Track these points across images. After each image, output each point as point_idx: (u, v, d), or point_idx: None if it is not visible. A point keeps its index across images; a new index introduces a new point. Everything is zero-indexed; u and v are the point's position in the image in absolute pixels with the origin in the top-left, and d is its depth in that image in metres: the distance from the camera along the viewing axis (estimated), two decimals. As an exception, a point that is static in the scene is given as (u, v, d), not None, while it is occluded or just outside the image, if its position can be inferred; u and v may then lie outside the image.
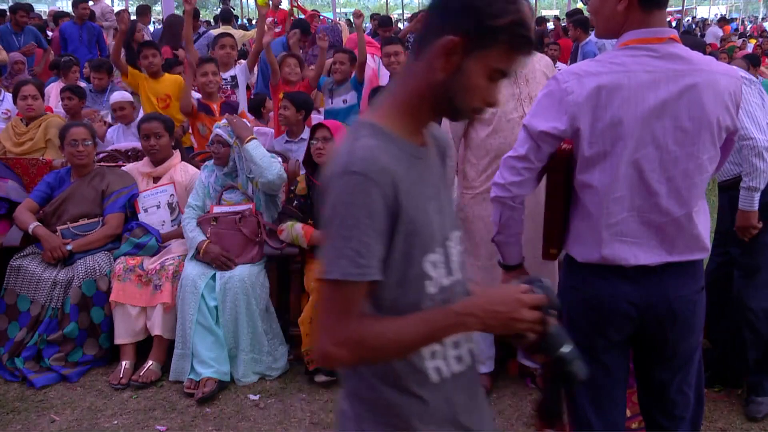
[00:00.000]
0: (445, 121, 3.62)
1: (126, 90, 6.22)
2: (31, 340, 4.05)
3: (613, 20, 2.21)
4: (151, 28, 12.75)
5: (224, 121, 4.22)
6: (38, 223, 4.25)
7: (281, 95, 5.94)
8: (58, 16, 12.01)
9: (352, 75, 5.95)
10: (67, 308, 4.03)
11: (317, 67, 6.15)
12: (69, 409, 3.70)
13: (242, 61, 6.73)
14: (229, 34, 6.31)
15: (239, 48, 7.67)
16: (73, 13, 9.97)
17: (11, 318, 4.11)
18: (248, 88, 6.50)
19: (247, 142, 4.09)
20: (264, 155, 4.11)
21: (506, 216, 2.35)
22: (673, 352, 2.31)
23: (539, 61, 3.45)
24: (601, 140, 2.11)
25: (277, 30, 9.04)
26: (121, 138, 5.68)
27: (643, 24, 2.14)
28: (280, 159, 4.33)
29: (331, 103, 5.97)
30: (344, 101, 5.88)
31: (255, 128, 5.13)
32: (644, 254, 2.19)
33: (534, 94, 3.37)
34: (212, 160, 4.28)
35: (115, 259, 4.18)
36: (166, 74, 6.16)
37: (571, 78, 2.13)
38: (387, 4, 24.74)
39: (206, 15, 30.32)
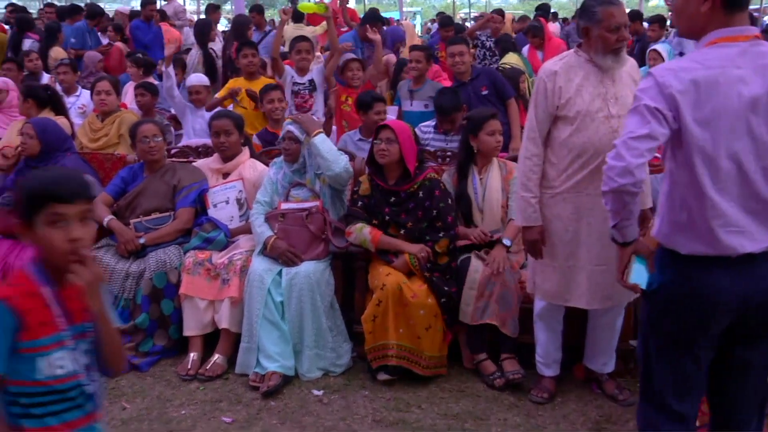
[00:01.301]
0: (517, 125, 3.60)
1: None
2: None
3: (696, 20, 2.33)
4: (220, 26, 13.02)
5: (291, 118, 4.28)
6: (113, 217, 4.38)
7: (344, 97, 6.00)
8: (132, 15, 12.34)
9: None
10: (139, 299, 4.15)
11: (375, 64, 6.15)
12: (139, 398, 3.81)
13: (319, 55, 6.78)
14: (306, 39, 6.36)
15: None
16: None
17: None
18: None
19: (315, 135, 4.13)
20: (331, 149, 4.15)
21: (630, 203, 2.34)
22: (766, 334, 2.38)
23: (627, 62, 3.39)
24: (702, 133, 2.22)
25: (343, 29, 9.11)
26: (188, 118, 5.88)
27: (725, 24, 2.27)
28: (347, 155, 4.36)
29: (411, 105, 5.92)
30: (426, 106, 5.82)
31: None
32: (749, 243, 2.27)
33: (620, 95, 3.33)
34: (281, 157, 4.34)
35: (185, 253, 4.27)
36: (263, 76, 6.26)
37: (667, 74, 2.25)
38: (454, 3, 24.63)
39: (273, 14, 30.72)
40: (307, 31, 9.20)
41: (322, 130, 4.22)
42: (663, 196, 2.40)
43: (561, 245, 3.47)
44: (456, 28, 9.53)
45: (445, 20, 10.17)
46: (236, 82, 6.14)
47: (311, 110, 5.98)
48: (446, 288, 3.88)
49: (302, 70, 6.03)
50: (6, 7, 9.87)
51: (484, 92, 5.69)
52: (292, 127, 4.24)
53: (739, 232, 2.27)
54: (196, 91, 5.97)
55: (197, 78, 6.15)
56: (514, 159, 4.25)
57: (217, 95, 6.15)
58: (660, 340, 2.46)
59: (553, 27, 11.46)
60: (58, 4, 12.31)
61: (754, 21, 9.88)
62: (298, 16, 10.50)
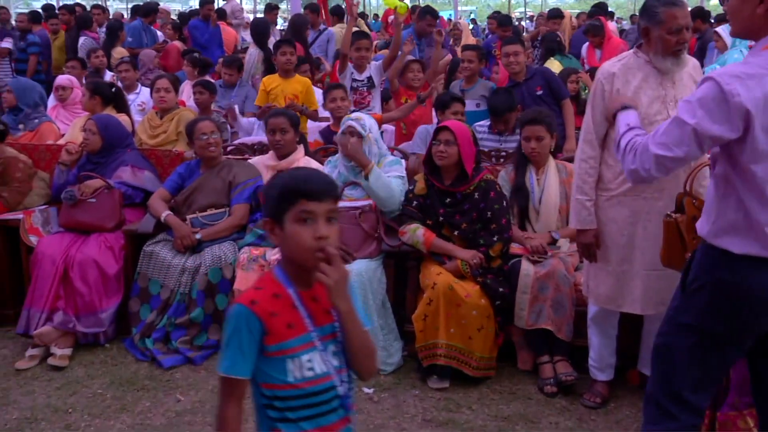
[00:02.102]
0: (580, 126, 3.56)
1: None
2: (160, 323, 4.26)
3: (752, 22, 2.31)
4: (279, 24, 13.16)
5: (356, 114, 4.28)
6: (170, 212, 4.47)
7: (404, 99, 6.00)
8: (190, 14, 12.57)
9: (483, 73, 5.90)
10: (194, 294, 4.22)
11: (434, 60, 6.14)
12: (193, 390, 3.87)
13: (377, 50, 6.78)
14: (366, 36, 6.38)
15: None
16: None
17: (143, 301, 4.35)
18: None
19: (368, 173, 4.15)
20: (385, 186, 4.17)
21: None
22: None
23: (687, 63, 3.32)
24: (767, 140, 2.20)
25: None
26: (258, 131, 5.95)
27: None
28: (402, 187, 4.35)
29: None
30: (477, 105, 5.81)
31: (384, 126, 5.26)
32: None
33: (680, 97, 3.25)
34: (336, 156, 4.36)
35: (239, 249, 4.33)
36: (297, 75, 6.32)
37: (733, 81, 2.19)
38: (509, 2, 24.43)
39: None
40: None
41: (373, 164, 4.22)
42: (714, 198, 2.38)
43: (615, 249, 3.41)
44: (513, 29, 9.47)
45: (503, 19, 10.08)
46: (270, 80, 6.20)
47: (369, 106, 6.00)
48: (500, 290, 3.86)
49: (361, 67, 6.06)
50: (59, 9, 10.13)
51: (539, 92, 5.64)
52: (353, 122, 4.25)
53: None
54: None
55: None
56: (569, 160, 4.22)
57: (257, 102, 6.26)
58: (696, 337, 2.46)
59: (612, 26, 11.25)
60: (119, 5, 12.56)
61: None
62: (341, 15, 10.54)
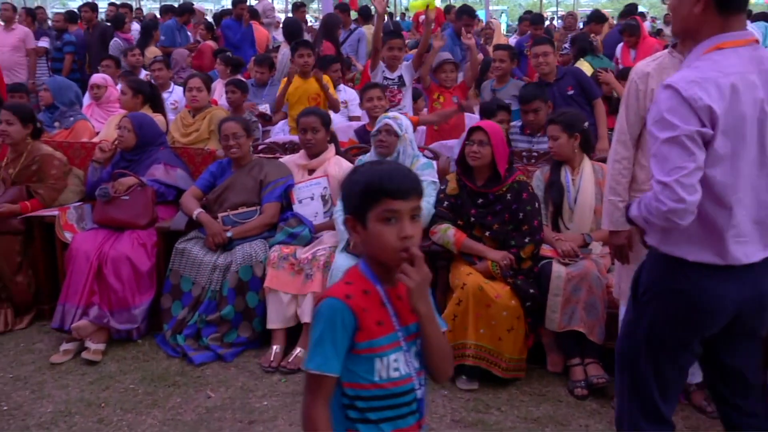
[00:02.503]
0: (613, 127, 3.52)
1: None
2: (192, 319, 4.30)
3: (689, 21, 2.31)
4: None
5: (393, 113, 4.29)
6: (202, 210, 4.51)
7: (436, 95, 5.99)
8: (223, 14, 12.68)
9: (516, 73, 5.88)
10: (225, 291, 4.25)
11: (472, 66, 6.12)
12: (223, 387, 3.90)
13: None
14: (399, 35, 6.39)
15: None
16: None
17: (175, 297, 4.39)
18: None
19: None
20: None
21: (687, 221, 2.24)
22: (753, 338, 2.47)
23: None
24: (725, 143, 2.17)
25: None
26: (288, 131, 5.99)
27: (725, 27, 2.24)
28: (435, 178, 4.32)
29: None
30: (509, 104, 5.78)
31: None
32: (753, 252, 2.30)
33: None
34: (367, 155, 4.36)
35: (270, 247, 4.35)
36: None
37: (692, 86, 2.17)
38: (541, 1, 24.27)
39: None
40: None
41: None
42: None
43: (642, 252, 3.37)
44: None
45: (535, 18, 9.99)
46: (293, 83, 6.23)
47: (399, 105, 6.01)
48: (530, 291, 3.84)
49: (393, 66, 6.07)
50: (82, 6, 10.22)
51: (570, 92, 5.61)
52: (390, 121, 4.24)
53: (746, 242, 2.29)
54: None
55: None
56: (602, 160, 4.18)
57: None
58: (655, 344, 2.45)
59: (646, 26, 11.13)
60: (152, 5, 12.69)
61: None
62: (368, 17, 10.53)
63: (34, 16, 10.88)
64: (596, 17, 9.97)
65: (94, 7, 9.97)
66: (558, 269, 3.86)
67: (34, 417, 3.63)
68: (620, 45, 8.68)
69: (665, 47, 3.65)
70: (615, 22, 11.60)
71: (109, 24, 10.30)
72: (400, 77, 6.05)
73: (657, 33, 12.48)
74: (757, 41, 2.26)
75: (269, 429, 3.51)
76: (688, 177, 2.17)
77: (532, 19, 10.09)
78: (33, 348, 4.40)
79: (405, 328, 1.87)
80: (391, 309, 1.86)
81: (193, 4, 11.94)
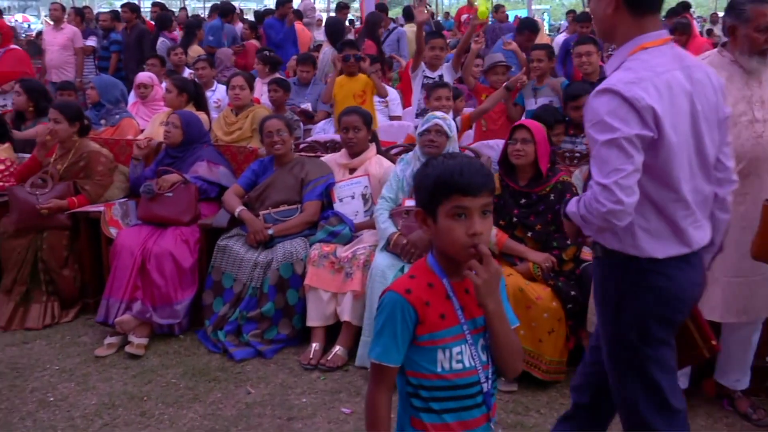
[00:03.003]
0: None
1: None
2: (232, 316, 4.35)
3: (604, 22, 2.38)
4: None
5: (441, 113, 4.28)
6: (244, 207, 4.55)
7: (484, 96, 5.96)
8: (264, 14, 12.79)
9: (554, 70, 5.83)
10: (266, 288, 4.28)
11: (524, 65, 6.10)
12: (263, 383, 3.93)
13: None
14: (441, 35, 6.38)
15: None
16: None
17: (217, 293, 4.44)
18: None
19: None
20: None
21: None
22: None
23: None
24: (674, 137, 2.22)
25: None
26: (331, 130, 6.00)
27: (641, 28, 2.30)
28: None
29: (535, 103, 5.85)
30: (550, 101, 5.74)
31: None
32: (704, 234, 2.40)
33: (766, 98, 3.16)
34: (409, 154, 4.36)
35: (311, 245, 4.38)
36: (360, 73, 6.35)
37: (631, 87, 2.18)
38: (584, 0, 23.97)
39: (398, 12, 30.92)
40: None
41: None
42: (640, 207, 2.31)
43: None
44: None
45: (581, 16, 9.84)
46: (339, 81, 6.25)
47: None
48: (572, 293, 3.80)
49: (434, 66, 6.06)
50: (122, 6, 10.35)
51: None
52: (440, 121, 4.19)
53: (699, 227, 2.38)
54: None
55: None
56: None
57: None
58: (648, 342, 2.42)
59: (696, 24, 10.92)
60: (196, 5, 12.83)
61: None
62: (409, 16, 10.52)
63: (82, 15, 11.09)
64: None
65: (134, 8, 10.05)
66: None
67: (79, 408, 3.70)
68: None
69: (714, 46, 3.58)
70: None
71: (146, 25, 10.46)
72: (441, 77, 6.03)
73: (708, 33, 12.24)
74: (673, 40, 2.36)
75: (308, 426, 3.53)
76: (626, 179, 2.18)
77: (577, 17, 9.92)
78: (78, 341, 4.49)
79: (471, 321, 1.89)
80: (456, 302, 1.88)
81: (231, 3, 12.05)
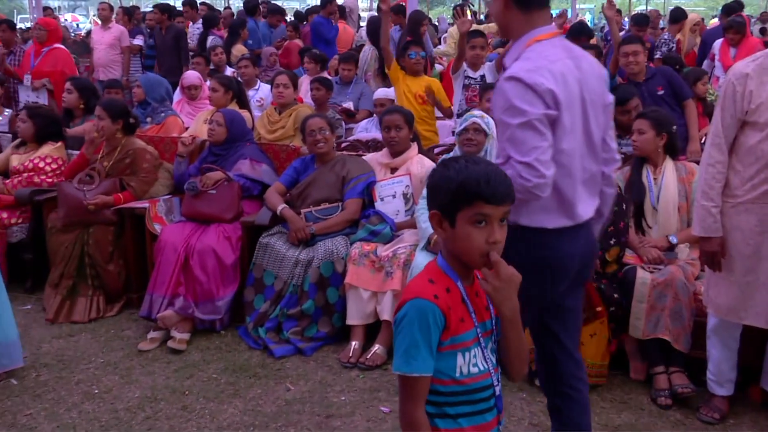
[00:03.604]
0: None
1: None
2: (273, 313, 4.38)
3: (499, 20, 2.63)
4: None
5: (479, 112, 4.27)
6: (285, 205, 4.58)
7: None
8: (308, 12, 12.86)
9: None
10: (306, 286, 4.31)
11: None
12: (303, 381, 3.96)
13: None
14: (481, 34, 6.35)
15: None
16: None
17: (258, 291, 4.48)
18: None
19: None
20: None
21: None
22: (584, 283, 2.81)
23: None
24: (568, 119, 2.44)
25: None
26: (373, 129, 5.99)
27: (532, 24, 2.53)
28: None
29: None
30: None
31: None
32: (589, 209, 2.62)
33: None
34: (450, 153, 4.34)
35: (351, 244, 4.39)
36: (425, 75, 6.31)
37: (531, 74, 2.39)
38: (630, 0, 23.62)
39: (443, 11, 30.91)
40: (481, 27, 9.12)
41: None
42: None
43: (740, 258, 3.26)
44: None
45: (639, 18, 9.68)
46: (403, 78, 6.19)
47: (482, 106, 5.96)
48: (615, 296, 3.75)
49: (475, 66, 6.02)
50: (153, 7, 10.47)
51: (660, 92, 5.46)
52: (477, 119, 4.18)
53: (585, 201, 2.60)
54: (381, 104, 6.06)
55: (384, 92, 6.25)
56: (694, 162, 4.07)
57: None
58: (544, 306, 2.68)
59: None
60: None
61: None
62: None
63: (130, 15, 11.28)
64: (672, 18, 9.63)
65: (164, 9, 10.07)
66: (643, 275, 3.76)
67: (123, 401, 3.76)
68: (718, 41, 8.38)
69: (766, 45, 3.52)
70: (716, 21, 11.13)
71: (183, 24, 10.59)
72: (482, 77, 6.00)
73: (762, 32, 11.96)
74: (561, 33, 2.59)
75: (346, 424, 3.54)
76: (544, 154, 2.39)
77: (635, 20, 9.72)
78: (122, 335, 4.57)
79: (482, 324, 1.88)
80: (470, 306, 1.86)
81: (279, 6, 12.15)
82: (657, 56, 8.56)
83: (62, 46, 8.40)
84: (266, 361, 4.18)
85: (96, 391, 3.87)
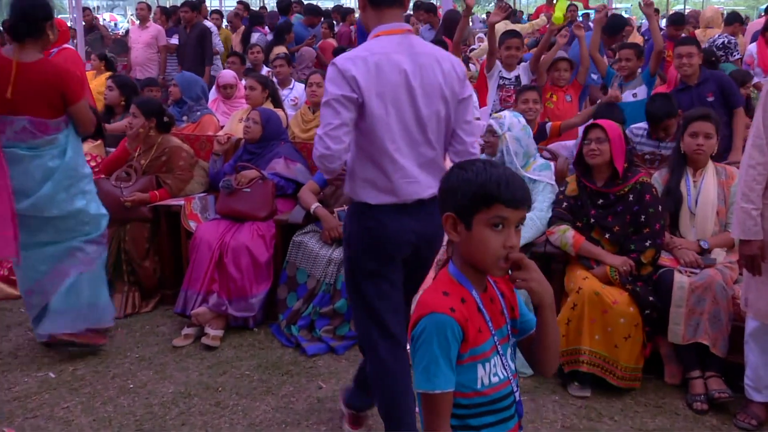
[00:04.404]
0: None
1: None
2: (306, 311, 4.40)
3: (363, 18, 2.96)
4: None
5: (501, 113, 4.27)
6: (319, 204, 4.59)
7: (548, 94, 5.88)
8: (345, 12, 12.92)
9: (644, 69, 5.71)
10: (339, 285, 4.32)
11: (582, 60, 5.99)
12: (334, 379, 3.97)
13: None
14: (517, 34, 6.31)
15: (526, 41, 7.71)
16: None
17: (291, 289, 4.50)
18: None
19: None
20: (525, 238, 4.05)
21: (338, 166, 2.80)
22: (426, 266, 3.06)
23: None
24: (379, 105, 2.74)
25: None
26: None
27: (380, 20, 2.86)
28: (552, 180, 4.26)
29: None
30: (634, 95, 5.65)
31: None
32: (421, 190, 2.85)
33: None
34: (484, 154, 4.34)
35: (385, 243, 4.38)
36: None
37: (346, 62, 2.75)
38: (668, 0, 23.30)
39: (479, 11, 30.76)
40: (517, 27, 9.07)
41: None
42: (352, 160, 2.88)
43: None
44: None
45: (676, 18, 9.54)
46: None
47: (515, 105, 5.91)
48: (650, 299, 3.71)
49: (510, 66, 5.99)
50: (181, 5, 10.50)
51: (710, 99, 5.29)
52: (492, 122, 4.24)
53: (414, 182, 2.83)
54: None
55: None
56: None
57: None
58: (363, 273, 2.95)
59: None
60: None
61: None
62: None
63: (168, 14, 11.41)
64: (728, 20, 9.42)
65: (194, 6, 10.06)
66: (680, 279, 3.70)
67: (157, 396, 3.81)
68: (754, 44, 8.22)
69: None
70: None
71: (210, 22, 10.68)
72: (517, 77, 5.96)
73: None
74: (409, 31, 2.86)
75: (378, 423, 3.53)
76: (334, 130, 2.70)
77: (672, 20, 9.59)
78: (157, 330, 4.63)
79: (498, 331, 1.86)
80: (486, 314, 1.83)
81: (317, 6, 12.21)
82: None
83: (71, 46, 8.50)
84: (298, 358, 4.21)
85: (131, 385, 3.93)
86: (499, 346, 1.84)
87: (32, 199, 3.98)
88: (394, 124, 2.77)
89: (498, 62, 6.00)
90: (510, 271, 1.80)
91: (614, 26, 7.45)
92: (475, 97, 6.57)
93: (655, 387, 3.83)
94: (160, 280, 5.03)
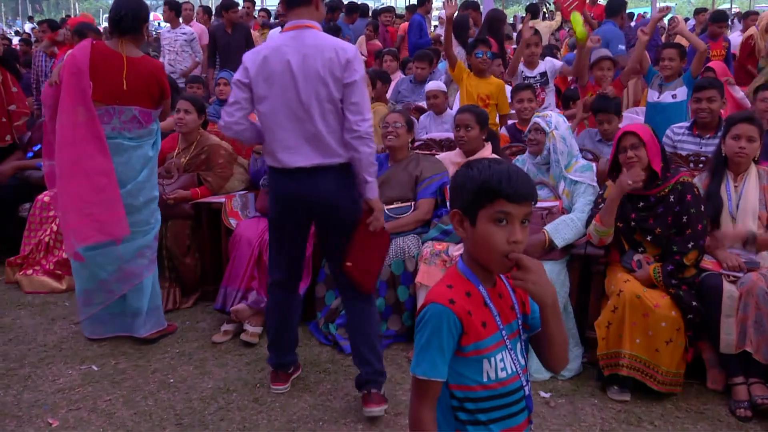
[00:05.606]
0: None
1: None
2: (344, 309, 4.41)
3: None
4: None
5: (544, 112, 4.25)
6: (358, 202, 4.61)
7: (589, 95, 5.83)
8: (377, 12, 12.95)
9: (686, 70, 5.64)
10: (377, 284, 4.32)
11: (631, 62, 5.92)
12: (371, 378, 3.97)
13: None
14: (536, 33, 6.27)
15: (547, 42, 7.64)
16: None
17: (329, 287, 4.52)
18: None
19: (549, 243, 4.03)
20: (570, 238, 4.05)
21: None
22: (343, 229, 3.51)
23: None
24: (266, 86, 3.34)
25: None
26: (431, 126, 5.96)
27: (289, 18, 3.41)
28: (593, 182, 4.24)
29: (658, 97, 5.70)
30: (673, 96, 5.57)
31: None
32: (301, 159, 3.37)
33: None
34: (524, 155, 4.31)
35: (423, 243, 4.39)
36: (492, 77, 6.25)
37: (247, 55, 3.42)
38: (713, -2, 22.86)
39: (518, 10, 30.57)
40: (542, 26, 8.99)
41: (548, 237, 4.03)
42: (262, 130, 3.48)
43: None
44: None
45: (717, 15, 9.35)
46: (469, 79, 6.16)
47: (543, 104, 5.86)
48: (693, 303, 3.64)
49: (531, 64, 5.94)
50: (259, 12, 10.49)
51: None
52: (538, 119, 4.24)
53: (293, 153, 3.37)
54: (434, 95, 6.03)
55: (435, 84, 6.20)
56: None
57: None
58: (269, 220, 3.65)
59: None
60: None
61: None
62: (534, 14, 10.32)
63: (210, 13, 11.51)
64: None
65: (228, 6, 9.83)
66: (730, 289, 3.61)
67: (197, 391, 3.86)
68: None
69: None
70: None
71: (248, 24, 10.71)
72: (542, 74, 5.91)
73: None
74: (309, 26, 3.35)
75: (386, 418, 3.54)
76: (230, 106, 3.42)
77: (712, 17, 9.41)
78: (197, 326, 4.68)
79: (508, 326, 1.86)
80: (494, 309, 1.84)
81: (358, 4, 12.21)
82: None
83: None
84: (336, 357, 4.22)
85: (171, 380, 3.98)
86: (507, 341, 1.85)
87: (129, 186, 4.22)
88: (277, 104, 3.33)
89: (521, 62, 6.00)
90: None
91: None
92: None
93: (697, 392, 3.77)
94: (201, 276, 5.09)
